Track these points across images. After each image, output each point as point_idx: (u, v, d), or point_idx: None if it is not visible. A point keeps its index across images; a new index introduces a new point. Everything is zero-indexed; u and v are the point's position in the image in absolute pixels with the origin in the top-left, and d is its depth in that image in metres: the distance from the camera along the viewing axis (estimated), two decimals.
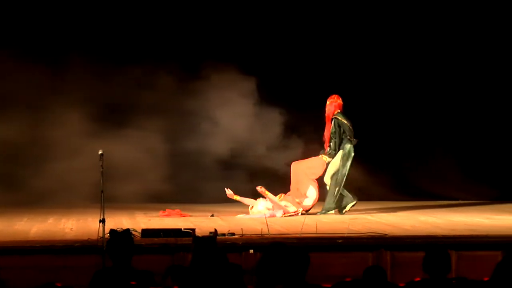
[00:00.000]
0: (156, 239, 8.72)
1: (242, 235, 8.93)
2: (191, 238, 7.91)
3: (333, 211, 11.92)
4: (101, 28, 14.25)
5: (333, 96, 12.11)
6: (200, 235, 8.10)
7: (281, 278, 5.93)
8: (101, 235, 8.01)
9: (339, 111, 12.02)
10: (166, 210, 11.93)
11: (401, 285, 6.29)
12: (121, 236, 6.30)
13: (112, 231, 6.41)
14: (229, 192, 11.86)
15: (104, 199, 8.25)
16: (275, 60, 14.58)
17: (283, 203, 11.79)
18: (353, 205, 11.92)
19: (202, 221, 11.02)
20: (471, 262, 8.56)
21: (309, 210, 11.90)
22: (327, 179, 12.01)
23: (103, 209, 8.10)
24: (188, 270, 6.18)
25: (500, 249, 8.52)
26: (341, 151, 11.90)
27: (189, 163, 14.38)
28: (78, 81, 14.03)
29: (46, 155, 13.82)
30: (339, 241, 8.82)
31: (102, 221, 8.07)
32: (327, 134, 12.06)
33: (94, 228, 8.52)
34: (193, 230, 7.79)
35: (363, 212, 12.13)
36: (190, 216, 11.78)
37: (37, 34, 14.12)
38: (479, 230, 9.62)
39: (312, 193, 11.89)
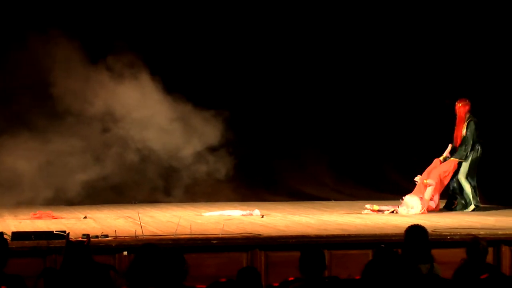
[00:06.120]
0: (27, 242, 8.52)
1: (116, 237, 8.85)
2: (63, 241, 7.78)
3: (473, 206, 12.24)
4: None
5: (464, 99, 12.31)
6: (72, 237, 7.99)
7: (154, 280, 5.88)
8: None
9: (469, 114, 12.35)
10: (38, 212, 11.70)
11: (275, 284, 6.36)
12: None
13: None
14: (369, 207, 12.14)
15: None
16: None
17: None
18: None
19: (74, 223, 10.85)
20: (342, 261, 8.73)
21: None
22: (462, 179, 12.26)
23: None
24: (60, 272, 6.09)
25: (370, 248, 8.70)
26: (473, 152, 12.25)
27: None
28: None
29: None
30: (214, 242, 8.84)
31: None
32: (458, 134, 12.28)
33: None
34: (67, 233, 7.66)
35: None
36: (62, 218, 11.58)
37: None
38: (350, 230, 9.81)
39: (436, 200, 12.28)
